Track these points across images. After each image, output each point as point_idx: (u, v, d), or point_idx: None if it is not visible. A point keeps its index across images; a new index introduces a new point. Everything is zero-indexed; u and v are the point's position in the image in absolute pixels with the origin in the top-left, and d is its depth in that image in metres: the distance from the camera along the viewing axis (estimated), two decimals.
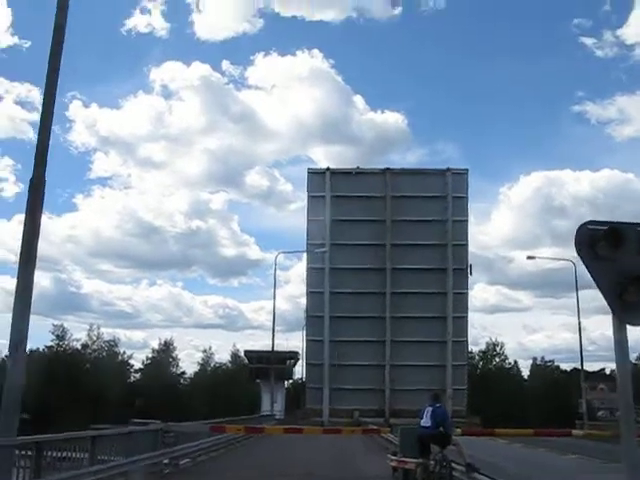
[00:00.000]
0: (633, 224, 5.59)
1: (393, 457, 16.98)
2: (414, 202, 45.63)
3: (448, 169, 46.78)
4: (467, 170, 47.57)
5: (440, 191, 45.81)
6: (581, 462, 22.05)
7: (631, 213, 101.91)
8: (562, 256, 65.23)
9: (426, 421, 13.55)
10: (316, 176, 46.89)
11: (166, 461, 16.81)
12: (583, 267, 5.61)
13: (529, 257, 53.89)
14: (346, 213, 45.27)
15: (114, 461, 13.33)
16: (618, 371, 5.64)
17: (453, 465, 13.81)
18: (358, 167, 48.55)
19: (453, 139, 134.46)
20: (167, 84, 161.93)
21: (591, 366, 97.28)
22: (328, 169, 46.87)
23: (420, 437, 13.62)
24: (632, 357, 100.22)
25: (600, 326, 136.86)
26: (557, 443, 26.41)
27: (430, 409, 13.67)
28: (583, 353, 48.75)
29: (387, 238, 45.15)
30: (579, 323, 46.63)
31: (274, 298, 48.55)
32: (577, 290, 46.35)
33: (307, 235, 46.19)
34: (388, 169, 47.31)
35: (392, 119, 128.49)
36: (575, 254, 5.68)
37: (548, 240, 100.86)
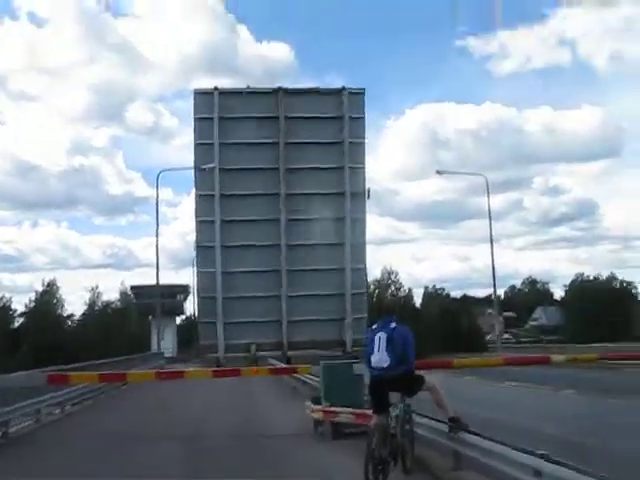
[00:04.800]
0: None
1: (315, 406, 11.36)
2: (309, 123, 40.16)
3: (344, 88, 41.19)
4: (364, 90, 42.09)
5: (336, 112, 40.35)
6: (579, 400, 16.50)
7: (511, 146, 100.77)
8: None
9: (382, 357, 7.38)
10: (203, 96, 40.30)
11: None
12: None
13: (438, 172, 48.35)
14: (236, 136, 39.15)
15: None
16: None
17: (415, 419, 8.23)
18: (248, 86, 42.17)
19: (340, 72, 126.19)
20: (35, 11, 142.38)
21: (476, 292, 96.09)
22: (216, 88, 40.40)
23: (375, 383, 7.61)
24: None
25: (483, 254, 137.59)
26: (513, 374, 21.10)
27: (383, 335, 7.43)
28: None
29: (281, 162, 39.27)
30: (491, 246, 42.26)
31: (157, 223, 42.00)
32: (489, 209, 42.22)
33: (195, 160, 39.81)
34: (281, 88, 41.17)
35: (279, 51, 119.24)
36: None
37: (433, 172, 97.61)
